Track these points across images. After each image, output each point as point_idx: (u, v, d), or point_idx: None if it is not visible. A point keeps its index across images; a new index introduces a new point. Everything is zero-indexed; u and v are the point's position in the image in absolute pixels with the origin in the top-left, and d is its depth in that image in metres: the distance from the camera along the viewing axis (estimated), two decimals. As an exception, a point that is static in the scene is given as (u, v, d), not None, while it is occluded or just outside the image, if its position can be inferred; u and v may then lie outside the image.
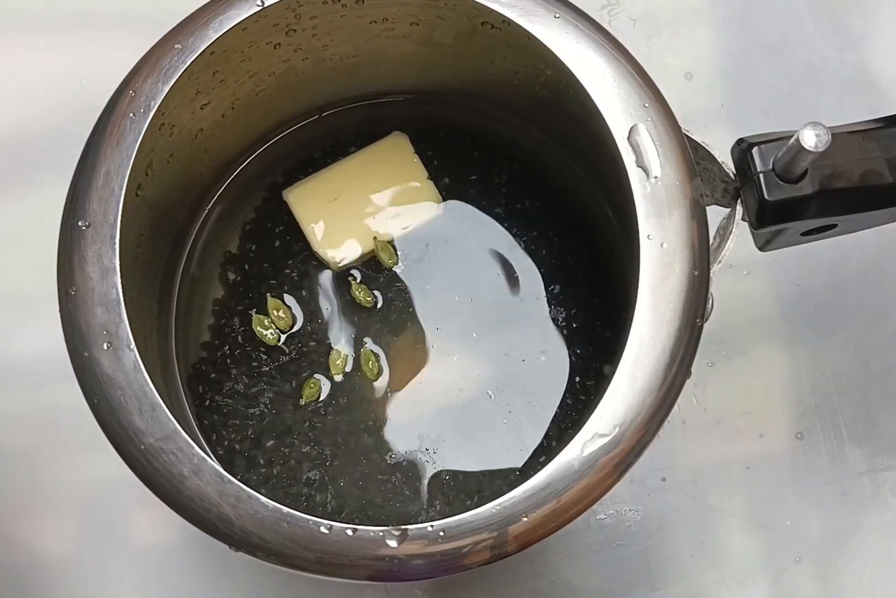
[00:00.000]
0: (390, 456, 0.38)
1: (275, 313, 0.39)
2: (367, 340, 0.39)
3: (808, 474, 0.43)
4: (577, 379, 0.38)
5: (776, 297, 0.45)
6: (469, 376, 0.38)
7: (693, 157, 0.31)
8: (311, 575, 0.29)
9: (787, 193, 0.32)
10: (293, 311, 0.39)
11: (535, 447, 0.38)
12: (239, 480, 0.29)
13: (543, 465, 0.29)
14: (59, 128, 0.45)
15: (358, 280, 0.40)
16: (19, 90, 0.46)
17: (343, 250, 0.40)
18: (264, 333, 0.39)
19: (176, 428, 0.29)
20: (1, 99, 0.46)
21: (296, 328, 0.39)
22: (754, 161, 0.32)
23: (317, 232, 0.40)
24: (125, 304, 0.30)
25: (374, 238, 0.39)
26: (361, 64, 0.38)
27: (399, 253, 0.40)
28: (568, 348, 0.39)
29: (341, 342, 0.39)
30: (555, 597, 0.41)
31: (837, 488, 0.43)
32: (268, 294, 0.39)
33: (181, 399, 0.38)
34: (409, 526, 0.28)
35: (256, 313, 0.39)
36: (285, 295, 0.40)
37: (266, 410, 0.38)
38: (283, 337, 0.39)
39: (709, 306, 0.31)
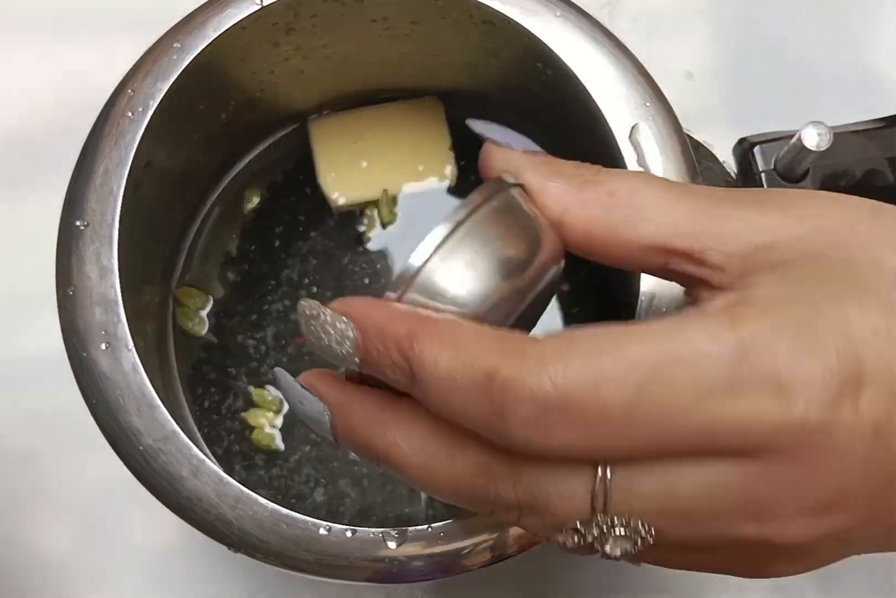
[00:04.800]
0: None
1: (190, 302, 0.39)
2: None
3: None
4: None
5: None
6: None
7: (694, 156, 0.31)
8: (310, 577, 0.28)
9: (788, 193, 0.32)
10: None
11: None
12: (237, 481, 0.28)
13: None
14: (57, 127, 0.45)
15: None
16: (18, 89, 0.46)
17: (346, 191, 0.40)
18: (190, 324, 0.39)
19: (174, 429, 0.29)
20: (0, 98, 0.46)
21: (293, 328, 0.39)
22: (756, 160, 0.32)
23: (327, 167, 0.40)
24: (124, 304, 0.29)
25: (385, 191, 0.40)
26: (361, 63, 0.38)
27: (399, 217, 0.40)
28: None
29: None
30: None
31: (839, 488, 0.43)
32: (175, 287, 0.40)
33: (180, 400, 0.38)
34: (408, 528, 0.28)
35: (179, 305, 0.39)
36: (285, 295, 0.40)
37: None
38: (207, 326, 0.39)
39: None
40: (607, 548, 0.19)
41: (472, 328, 0.20)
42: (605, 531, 0.19)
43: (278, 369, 0.23)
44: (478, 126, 0.25)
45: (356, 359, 0.21)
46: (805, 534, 0.19)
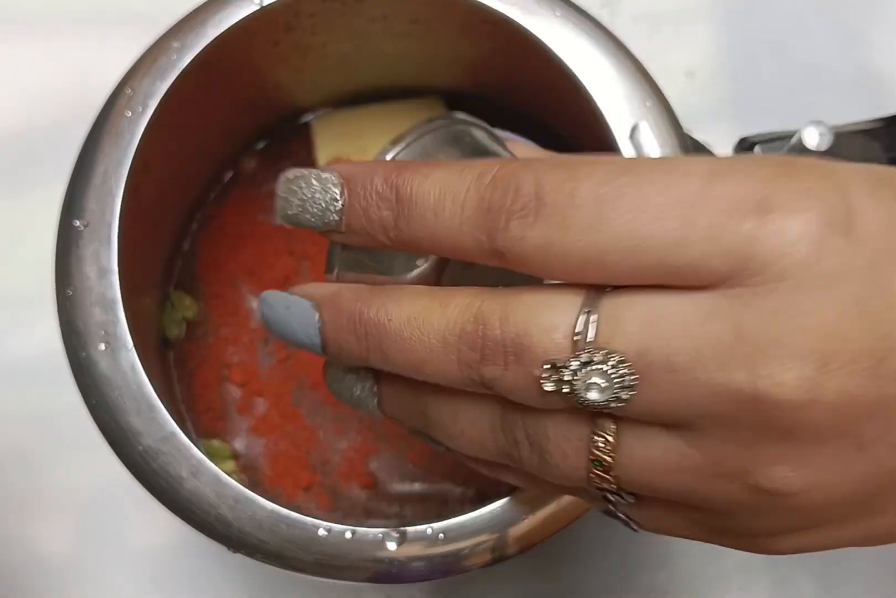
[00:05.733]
0: (392, 457, 0.38)
1: (183, 305, 0.39)
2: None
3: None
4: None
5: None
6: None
7: (695, 156, 0.31)
8: (309, 577, 0.28)
9: (789, 193, 0.32)
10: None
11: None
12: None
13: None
14: (56, 127, 0.45)
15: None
16: (17, 88, 0.46)
17: None
18: (172, 327, 0.39)
19: (174, 429, 0.29)
20: (-1, 97, 0.46)
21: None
22: (756, 160, 0.32)
23: (329, 164, 0.40)
24: (123, 304, 0.29)
25: None
26: (361, 62, 0.38)
27: None
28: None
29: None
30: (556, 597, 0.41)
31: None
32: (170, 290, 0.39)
33: (178, 401, 0.38)
34: (408, 528, 0.28)
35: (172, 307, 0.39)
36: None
37: (265, 411, 0.38)
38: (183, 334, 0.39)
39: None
40: (583, 390, 0.18)
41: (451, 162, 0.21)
42: (584, 367, 0.18)
43: (266, 292, 0.23)
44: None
45: (340, 204, 0.21)
46: (804, 389, 0.17)
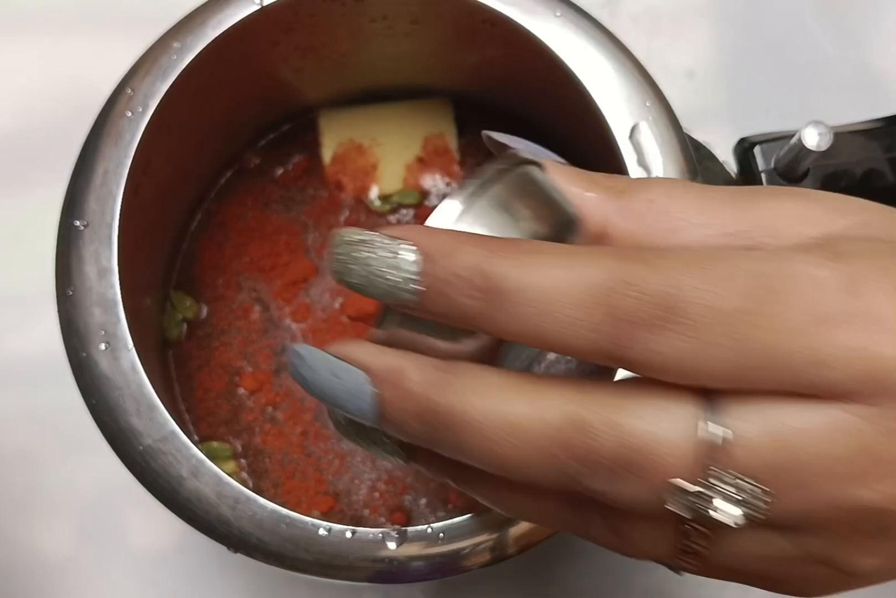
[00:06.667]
0: (430, 497, 0.37)
1: (183, 305, 0.39)
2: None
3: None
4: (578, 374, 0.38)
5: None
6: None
7: (694, 156, 0.31)
8: (309, 577, 0.28)
9: (789, 193, 0.32)
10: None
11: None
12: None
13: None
14: (57, 127, 0.45)
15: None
16: (17, 88, 0.46)
17: (352, 187, 0.40)
18: (171, 328, 0.39)
19: (174, 429, 0.29)
20: (-1, 97, 0.46)
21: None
22: (756, 160, 0.32)
23: (334, 162, 0.40)
24: (123, 304, 0.29)
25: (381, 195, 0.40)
26: (361, 62, 0.38)
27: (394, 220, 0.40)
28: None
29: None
30: (555, 598, 0.41)
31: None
32: (171, 290, 0.39)
33: (179, 401, 0.38)
34: (408, 528, 0.28)
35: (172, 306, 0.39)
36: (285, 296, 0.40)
37: (266, 412, 0.38)
38: (184, 335, 0.39)
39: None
40: (712, 510, 0.17)
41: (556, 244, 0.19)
42: (713, 487, 0.17)
43: (299, 345, 0.20)
44: (500, 137, 0.23)
45: (416, 285, 0.18)
46: None
